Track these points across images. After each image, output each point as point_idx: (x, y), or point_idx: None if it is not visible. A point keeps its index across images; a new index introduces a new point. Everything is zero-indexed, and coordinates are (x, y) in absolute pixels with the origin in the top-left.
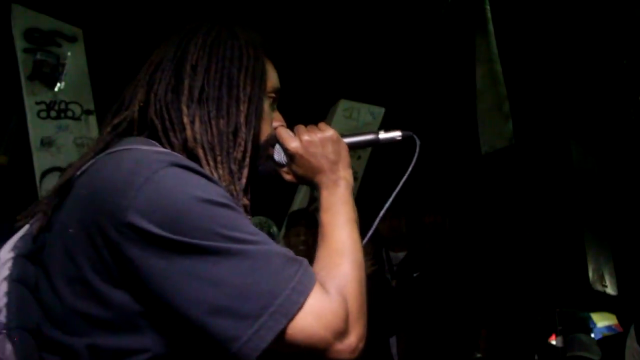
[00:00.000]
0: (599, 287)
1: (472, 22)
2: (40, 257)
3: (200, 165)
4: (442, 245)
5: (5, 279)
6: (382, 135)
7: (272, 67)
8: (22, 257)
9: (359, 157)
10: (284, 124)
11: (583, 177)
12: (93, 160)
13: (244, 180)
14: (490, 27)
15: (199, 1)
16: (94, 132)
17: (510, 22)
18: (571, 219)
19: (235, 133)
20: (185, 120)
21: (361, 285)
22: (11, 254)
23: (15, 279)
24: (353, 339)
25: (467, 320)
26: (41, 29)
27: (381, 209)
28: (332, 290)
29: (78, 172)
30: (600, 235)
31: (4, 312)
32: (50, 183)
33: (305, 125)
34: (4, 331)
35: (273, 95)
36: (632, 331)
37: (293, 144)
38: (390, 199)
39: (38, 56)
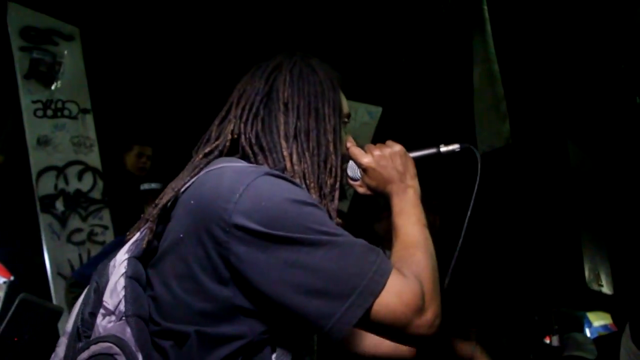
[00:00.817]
0: (595, 287)
1: (470, 22)
2: (149, 259)
3: None
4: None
5: (122, 275)
6: (443, 148)
7: (342, 94)
8: (134, 259)
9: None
10: (354, 143)
11: (580, 177)
12: (194, 179)
13: (336, 202)
14: (488, 27)
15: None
16: (90, 131)
17: (508, 22)
18: (568, 219)
19: (326, 161)
20: (285, 153)
21: (434, 270)
22: (126, 256)
23: (130, 276)
24: (430, 315)
25: (460, 319)
26: (38, 27)
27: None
28: (408, 273)
29: (182, 190)
30: (597, 235)
31: (123, 302)
32: (46, 182)
33: (375, 143)
34: (124, 318)
35: (346, 120)
36: (627, 329)
37: (366, 159)
38: (468, 214)
39: (34, 55)
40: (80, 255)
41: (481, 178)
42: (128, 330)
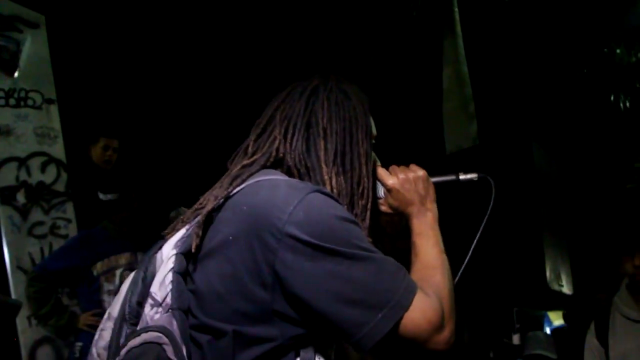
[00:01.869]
0: (556, 287)
1: (440, 23)
2: (193, 255)
3: None
4: (402, 244)
5: (170, 270)
6: (462, 176)
7: (371, 117)
8: (181, 255)
9: None
10: (379, 163)
11: (543, 179)
12: (241, 187)
13: (367, 222)
14: (458, 28)
15: None
16: (55, 121)
17: (478, 25)
18: (531, 220)
19: (359, 183)
20: (326, 177)
21: (452, 292)
22: (174, 251)
23: (177, 271)
24: (447, 333)
25: None
26: (1, 13)
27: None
28: (430, 292)
29: (231, 194)
30: (559, 236)
31: (170, 295)
32: (7, 173)
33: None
34: (170, 310)
35: (374, 142)
36: (592, 327)
37: (391, 181)
38: (476, 239)
39: None
40: (42, 249)
41: (449, 181)
42: (174, 322)
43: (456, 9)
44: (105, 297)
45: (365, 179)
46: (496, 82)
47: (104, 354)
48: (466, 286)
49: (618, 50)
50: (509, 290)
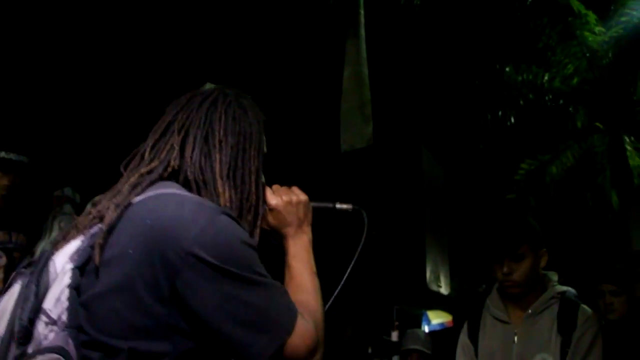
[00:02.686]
0: (434, 287)
1: (345, 24)
2: (87, 269)
3: None
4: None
5: (67, 286)
6: (338, 205)
7: (264, 136)
8: (77, 269)
9: None
10: (264, 180)
11: (429, 182)
12: (141, 197)
13: (256, 238)
14: (362, 31)
15: None
16: None
17: (382, 30)
18: (414, 221)
19: (248, 199)
20: (220, 190)
21: (323, 315)
22: (70, 265)
23: (73, 287)
24: (319, 357)
25: None
26: None
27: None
28: (307, 318)
29: (133, 203)
30: (440, 239)
31: (66, 313)
32: None
33: (281, 185)
34: (66, 329)
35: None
36: (465, 326)
37: (274, 201)
38: (351, 266)
39: None
40: None
41: (341, 177)
42: (70, 342)
43: (362, 11)
44: None
45: (254, 196)
46: (393, 86)
47: None
48: (349, 284)
49: (507, 69)
50: (389, 289)
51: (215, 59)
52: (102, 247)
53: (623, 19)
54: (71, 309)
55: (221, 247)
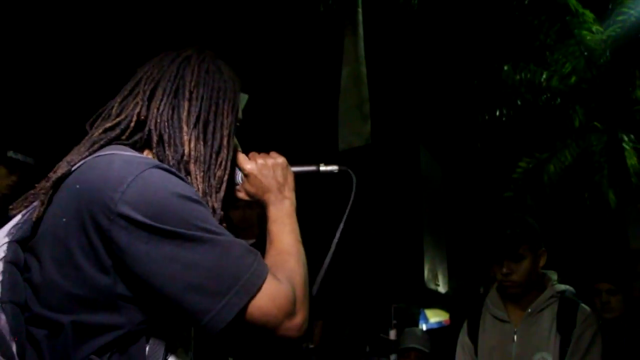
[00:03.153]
0: (432, 286)
1: (343, 22)
2: (29, 243)
3: (190, 178)
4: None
5: (1, 260)
6: (322, 167)
7: (240, 100)
8: (14, 243)
9: None
10: (240, 149)
11: (427, 181)
12: (84, 160)
13: (221, 194)
14: (361, 29)
15: None
16: None
17: (380, 29)
18: (412, 220)
19: (219, 153)
20: (185, 138)
21: (305, 278)
22: (6, 239)
23: (9, 261)
24: (299, 320)
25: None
26: None
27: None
28: (282, 278)
29: (72, 169)
30: (438, 237)
31: (0, 288)
32: None
33: (259, 152)
34: (0, 304)
35: (238, 124)
36: (465, 325)
37: (248, 165)
38: (339, 232)
39: None
40: None
41: (338, 175)
42: (3, 317)
43: (360, 10)
44: None
45: (225, 150)
46: (392, 85)
47: None
48: (347, 283)
49: (505, 68)
50: (387, 287)
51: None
52: (44, 202)
53: (621, 17)
54: (7, 284)
55: (152, 204)
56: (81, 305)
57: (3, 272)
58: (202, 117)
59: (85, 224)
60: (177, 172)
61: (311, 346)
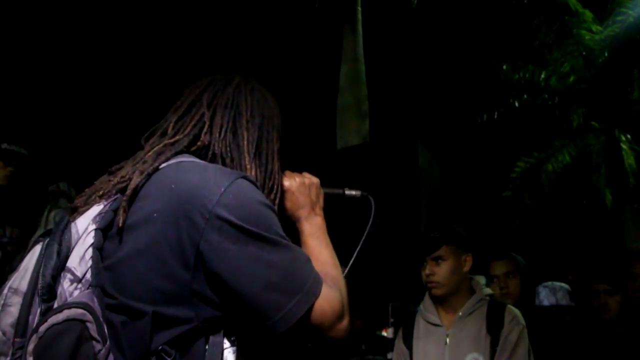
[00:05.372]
0: None
1: (342, 20)
2: (110, 233)
3: None
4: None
5: (90, 245)
6: (347, 191)
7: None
8: (99, 230)
9: None
10: None
11: (426, 180)
12: (165, 164)
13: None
14: (360, 27)
15: None
16: None
17: (379, 27)
18: (410, 219)
19: (271, 178)
20: (248, 166)
21: (346, 285)
22: (93, 226)
23: (97, 247)
24: (346, 322)
25: None
26: None
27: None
28: (332, 285)
29: (159, 169)
30: None
31: (90, 272)
32: None
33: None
34: (91, 287)
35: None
36: (400, 333)
37: (287, 182)
38: (358, 248)
39: None
40: None
41: (337, 174)
42: (95, 299)
43: (359, 8)
44: None
45: (276, 175)
46: (390, 83)
47: (11, 331)
48: (345, 282)
49: (504, 67)
50: (385, 285)
51: (213, 56)
52: (126, 210)
53: (619, 18)
54: (95, 269)
55: (244, 208)
56: (162, 297)
57: (92, 257)
58: (257, 144)
59: (179, 221)
60: (258, 185)
61: (309, 345)
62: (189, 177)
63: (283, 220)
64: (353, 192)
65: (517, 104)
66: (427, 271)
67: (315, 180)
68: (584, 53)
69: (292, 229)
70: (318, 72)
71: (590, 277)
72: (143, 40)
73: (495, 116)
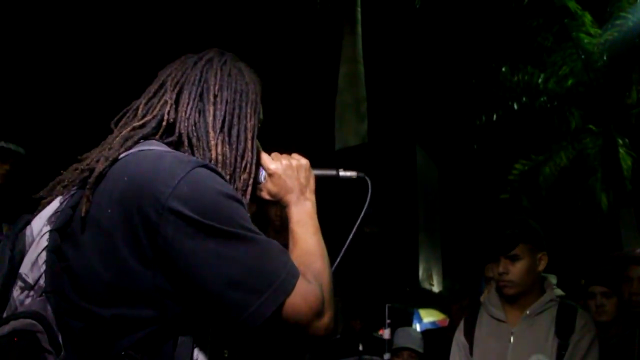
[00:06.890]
0: (427, 285)
1: (342, 21)
2: (68, 232)
3: None
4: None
5: (44, 249)
6: (342, 172)
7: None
8: (55, 231)
9: None
10: (261, 149)
11: (423, 181)
12: (126, 154)
13: (248, 197)
14: (359, 28)
15: None
16: None
17: (378, 28)
18: (408, 220)
19: (243, 156)
20: (212, 142)
21: (331, 278)
22: (47, 228)
23: (51, 250)
24: (327, 319)
25: None
26: None
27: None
28: (311, 279)
29: (118, 159)
30: (433, 237)
31: (44, 277)
32: None
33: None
34: (44, 294)
35: (259, 125)
36: (461, 325)
37: (273, 165)
38: (353, 232)
39: None
40: None
41: (329, 175)
42: (49, 307)
43: (359, 9)
44: None
45: (250, 153)
46: (389, 85)
47: None
48: (342, 281)
49: (503, 69)
50: (382, 286)
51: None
52: (90, 199)
53: (619, 22)
54: (49, 273)
55: (201, 200)
56: (122, 298)
57: (46, 261)
58: (226, 121)
59: (132, 217)
60: (221, 173)
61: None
62: (142, 169)
63: (270, 206)
64: (348, 174)
65: (515, 106)
66: (500, 269)
67: (305, 161)
68: (582, 56)
69: (283, 216)
70: (317, 73)
71: (586, 279)
72: (143, 40)
73: (494, 118)
